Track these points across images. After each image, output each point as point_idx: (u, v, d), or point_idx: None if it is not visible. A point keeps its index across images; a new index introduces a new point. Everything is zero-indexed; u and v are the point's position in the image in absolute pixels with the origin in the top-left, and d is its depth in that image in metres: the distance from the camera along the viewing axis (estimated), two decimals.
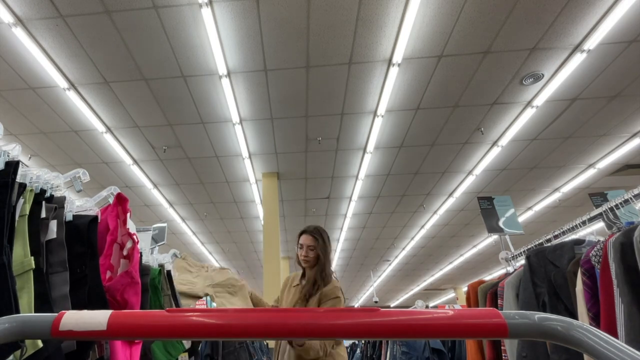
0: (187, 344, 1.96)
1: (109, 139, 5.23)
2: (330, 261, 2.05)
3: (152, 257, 2.03)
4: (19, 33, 3.55)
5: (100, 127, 4.98)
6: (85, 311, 0.49)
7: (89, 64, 3.97)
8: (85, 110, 4.64)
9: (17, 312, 0.86)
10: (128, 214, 1.58)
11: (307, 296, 1.99)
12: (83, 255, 1.20)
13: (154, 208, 7.50)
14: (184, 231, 8.70)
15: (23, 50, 3.75)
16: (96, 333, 0.46)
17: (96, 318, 0.47)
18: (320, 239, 2.04)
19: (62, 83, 4.18)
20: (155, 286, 1.87)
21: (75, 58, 3.90)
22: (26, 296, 0.92)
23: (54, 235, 1.09)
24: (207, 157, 5.82)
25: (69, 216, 1.25)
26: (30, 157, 5.61)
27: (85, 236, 1.24)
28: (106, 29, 3.57)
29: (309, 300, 1.97)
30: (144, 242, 2.10)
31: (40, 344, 0.89)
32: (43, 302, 0.96)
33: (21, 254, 0.95)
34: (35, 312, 0.92)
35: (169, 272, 2.12)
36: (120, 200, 1.60)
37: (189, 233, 8.82)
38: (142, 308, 1.60)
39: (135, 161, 5.86)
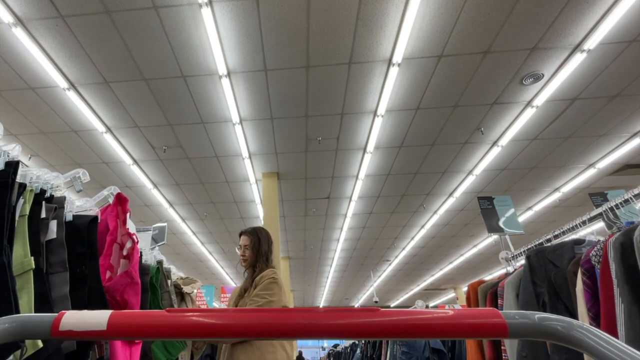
0: (188, 341, 1.96)
1: (109, 139, 5.23)
2: (268, 259, 2.04)
3: (151, 254, 2.03)
4: (19, 33, 3.55)
5: (100, 127, 4.98)
6: (85, 311, 0.49)
7: (88, 64, 3.97)
8: (85, 110, 4.64)
9: (17, 312, 0.86)
10: (128, 214, 1.58)
11: (242, 292, 1.98)
12: (83, 255, 1.20)
13: (154, 208, 7.50)
14: (184, 231, 8.70)
15: (23, 50, 3.75)
16: (96, 333, 0.46)
17: (96, 318, 0.47)
18: (254, 237, 2.07)
19: (62, 83, 4.18)
20: (153, 285, 1.87)
21: (75, 58, 3.90)
22: (26, 296, 0.92)
23: (54, 236, 1.09)
24: (207, 157, 5.82)
25: (68, 216, 1.25)
26: (30, 157, 5.61)
27: (85, 236, 1.24)
28: (106, 29, 3.57)
29: (244, 296, 1.95)
30: (144, 242, 2.10)
31: (40, 344, 0.89)
32: (43, 303, 0.96)
33: (21, 254, 0.95)
34: (35, 312, 0.92)
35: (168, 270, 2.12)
36: (120, 200, 1.59)
37: (189, 233, 8.82)
38: (142, 308, 1.60)
39: (135, 161, 5.86)
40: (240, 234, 2.15)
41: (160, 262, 2.04)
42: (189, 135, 5.26)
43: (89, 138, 5.24)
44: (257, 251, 2.04)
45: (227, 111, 4.76)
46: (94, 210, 1.46)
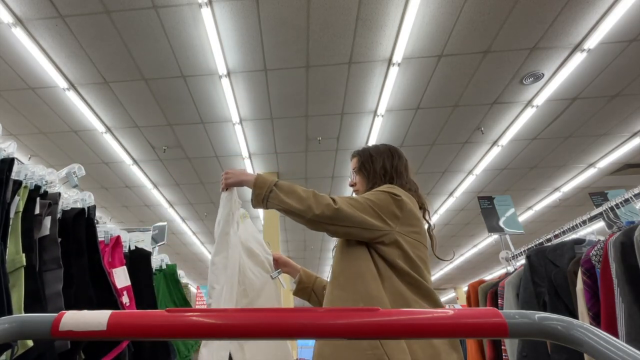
0: None
1: (108, 139, 5.23)
2: (393, 180, 1.39)
3: (157, 258, 2.02)
4: (18, 33, 3.54)
5: (100, 127, 4.98)
6: (85, 311, 0.49)
7: (88, 64, 3.97)
8: (85, 111, 4.64)
9: (10, 310, 0.84)
10: (123, 268, 1.44)
11: None
12: (68, 252, 1.12)
13: (154, 208, 7.50)
14: (184, 231, 8.69)
15: (23, 51, 3.74)
16: (96, 333, 0.46)
17: (96, 318, 0.47)
18: (363, 155, 1.47)
19: (61, 83, 4.18)
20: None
21: (74, 58, 3.90)
22: (16, 294, 0.89)
23: (47, 232, 1.05)
24: (207, 157, 5.82)
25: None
26: (30, 158, 5.61)
27: (70, 232, 1.16)
28: (106, 29, 3.57)
29: None
30: (144, 242, 2.10)
31: (30, 343, 0.87)
32: (35, 300, 0.93)
33: (13, 251, 0.92)
34: (25, 310, 0.90)
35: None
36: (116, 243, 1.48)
37: (189, 233, 8.82)
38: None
39: (135, 161, 5.86)
40: (352, 158, 1.57)
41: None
42: (189, 135, 5.25)
43: (89, 138, 5.24)
44: (369, 170, 1.42)
45: (227, 111, 4.76)
46: (81, 202, 1.34)
